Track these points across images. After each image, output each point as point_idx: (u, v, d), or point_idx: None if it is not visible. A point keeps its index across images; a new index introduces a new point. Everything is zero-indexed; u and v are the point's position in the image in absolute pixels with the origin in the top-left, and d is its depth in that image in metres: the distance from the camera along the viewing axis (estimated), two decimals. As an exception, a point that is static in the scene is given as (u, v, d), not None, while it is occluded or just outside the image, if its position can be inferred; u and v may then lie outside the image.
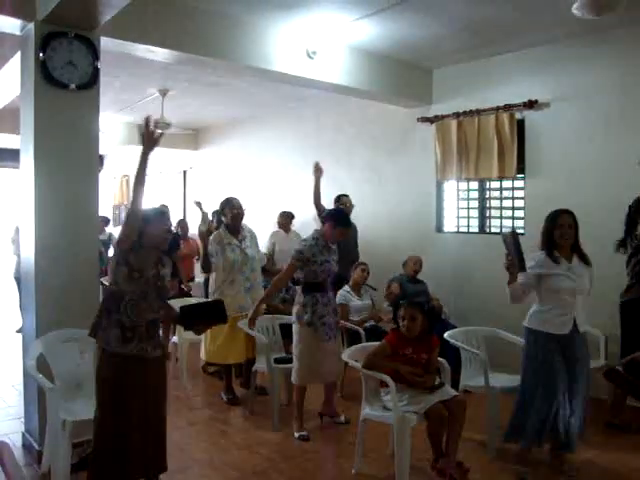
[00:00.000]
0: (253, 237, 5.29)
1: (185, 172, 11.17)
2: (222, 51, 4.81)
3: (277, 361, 4.72)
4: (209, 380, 5.95)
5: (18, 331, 7.33)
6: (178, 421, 4.60)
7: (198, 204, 7.31)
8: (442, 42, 5.56)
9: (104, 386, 3.13)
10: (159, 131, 3.08)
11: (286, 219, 7.29)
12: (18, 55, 4.51)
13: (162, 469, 3.29)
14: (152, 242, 3.17)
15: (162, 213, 3.30)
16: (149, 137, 3.02)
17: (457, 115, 6.16)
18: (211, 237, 5.20)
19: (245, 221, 5.26)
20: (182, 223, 8.60)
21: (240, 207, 5.14)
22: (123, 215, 13.35)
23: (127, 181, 13.07)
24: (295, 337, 4.46)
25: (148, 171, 3.03)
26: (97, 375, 3.18)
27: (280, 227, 7.27)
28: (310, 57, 5.29)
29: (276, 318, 5.20)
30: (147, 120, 3.02)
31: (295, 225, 7.33)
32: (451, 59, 6.14)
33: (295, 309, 4.48)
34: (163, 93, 7.28)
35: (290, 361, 4.73)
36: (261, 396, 5.09)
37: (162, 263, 3.24)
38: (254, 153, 9.25)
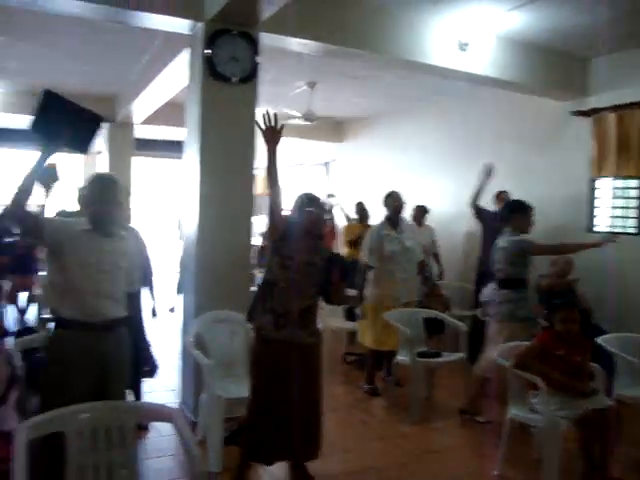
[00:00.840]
0: (413, 230, 5.34)
1: (327, 164, 11.34)
2: (375, 44, 4.82)
3: (420, 355, 4.72)
4: (348, 369, 6.06)
5: (171, 310, 7.89)
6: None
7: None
8: (602, 28, 5.16)
9: (257, 368, 3.26)
10: (280, 123, 3.05)
11: (420, 213, 7.22)
12: (182, 54, 4.85)
13: (311, 456, 3.30)
14: (304, 229, 3.21)
15: (310, 200, 3.27)
16: (271, 133, 3.04)
17: (617, 108, 5.75)
18: (370, 229, 5.39)
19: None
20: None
21: (400, 199, 5.23)
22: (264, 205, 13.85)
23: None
24: (504, 336, 4.21)
25: (279, 164, 3.07)
26: (251, 357, 3.32)
27: (413, 220, 7.19)
28: (462, 49, 5.17)
29: (420, 312, 5.19)
30: (266, 116, 3.02)
31: (427, 219, 7.27)
32: (611, 47, 5.71)
33: (503, 307, 4.32)
34: (311, 86, 7.43)
35: (434, 356, 4.71)
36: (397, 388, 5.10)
37: (316, 250, 3.25)
38: (397, 146, 9.19)
